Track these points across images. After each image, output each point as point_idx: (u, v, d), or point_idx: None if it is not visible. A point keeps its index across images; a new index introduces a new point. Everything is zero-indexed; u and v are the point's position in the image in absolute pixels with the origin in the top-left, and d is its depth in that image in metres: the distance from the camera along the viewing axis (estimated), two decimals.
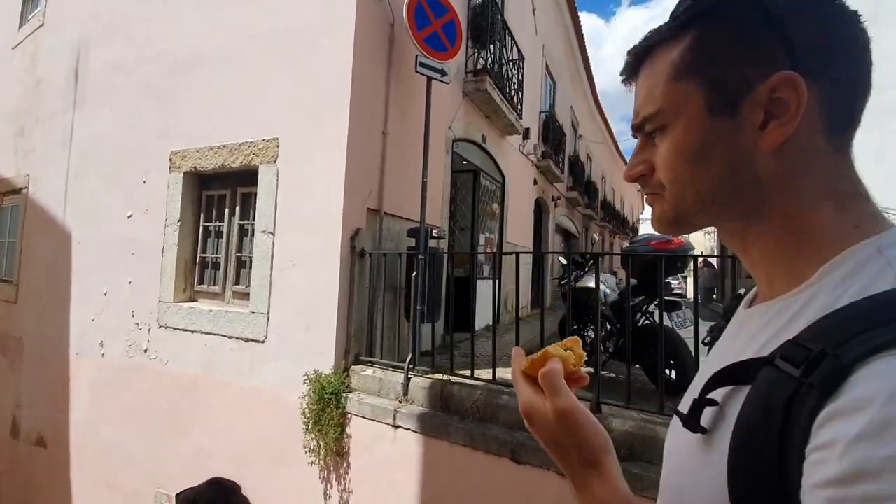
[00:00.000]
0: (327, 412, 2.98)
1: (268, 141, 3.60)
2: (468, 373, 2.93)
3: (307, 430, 3.07)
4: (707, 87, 0.46)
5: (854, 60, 0.44)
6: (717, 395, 0.44)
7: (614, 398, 2.46)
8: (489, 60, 5.30)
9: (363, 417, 2.96)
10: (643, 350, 3.75)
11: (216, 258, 4.04)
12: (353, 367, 3.23)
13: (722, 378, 0.43)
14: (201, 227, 4.14)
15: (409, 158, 3.98)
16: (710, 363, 0.54)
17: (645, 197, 0.54)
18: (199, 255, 4.12)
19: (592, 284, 4.69)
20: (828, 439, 0.32)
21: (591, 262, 5.17)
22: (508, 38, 5.91)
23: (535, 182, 8.64)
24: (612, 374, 4.25)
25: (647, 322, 4.00)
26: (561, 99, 10.67)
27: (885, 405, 0.30)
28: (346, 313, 3.28)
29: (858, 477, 0.29)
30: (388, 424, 2.84)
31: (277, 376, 3.39)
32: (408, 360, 2.97)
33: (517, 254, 2.89)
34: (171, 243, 4.06)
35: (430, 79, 3.72)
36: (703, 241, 21.36)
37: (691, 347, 2.44)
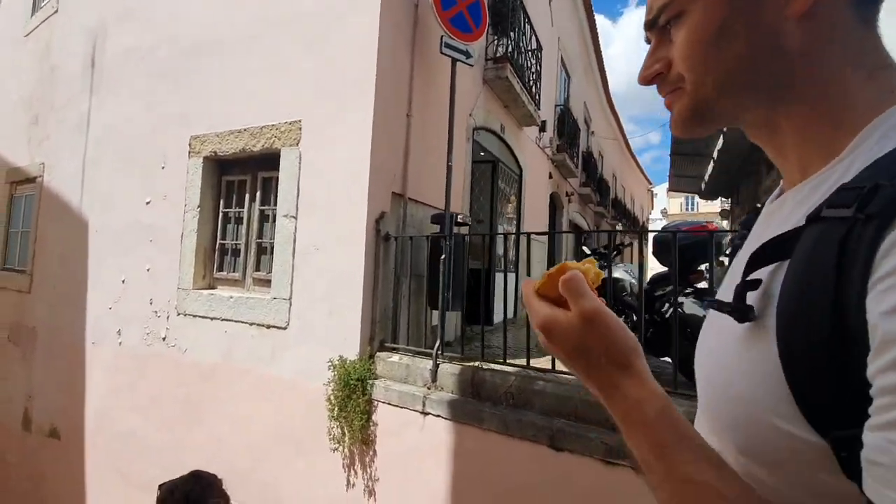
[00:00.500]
0: (353, 399, 2.90)
1: (290, 124, 3.53)
2: (494, 360, 2.85)
3: (332, 417, 2.99)
4: None
5: None
6: (759, 275, 0.41)
7: None
8: (509, 48, 5.21)
9: (390, 404, 2.87)
10: (669, 340, 3.64)
11: (236, 244, 3.97)
12: (377, 353, 3.14)
13: (763, 255, 0.41)
14: (221, 214, 4.07)
15: (433, 143, 3.89)
16: (736, 265, 0.51)
17: (665, 100, 0.51)
18: (218, 242, 4.05)
19: (618, 275, 4.60)
20: None
21: (615, 252, 5.07)
22: (528, 27, 5.81)
23: (551, 176, 8.54)
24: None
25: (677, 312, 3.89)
26: (575, 94, 10.56)
27: None
28: (371, 298, 3.19)
29: None
30: (416, 411, 2.75)
31: (300, 363, 3.31)
32: (436, 345, 2.88)
33: (541, 233, 2.80)
34: (190, 229, 4.00)
35: (454, 61, 3.63)
36: None
37: None
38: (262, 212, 3.85)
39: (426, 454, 2.68)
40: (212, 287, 4.03)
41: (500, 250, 5.80)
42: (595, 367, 0.47)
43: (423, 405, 2.72)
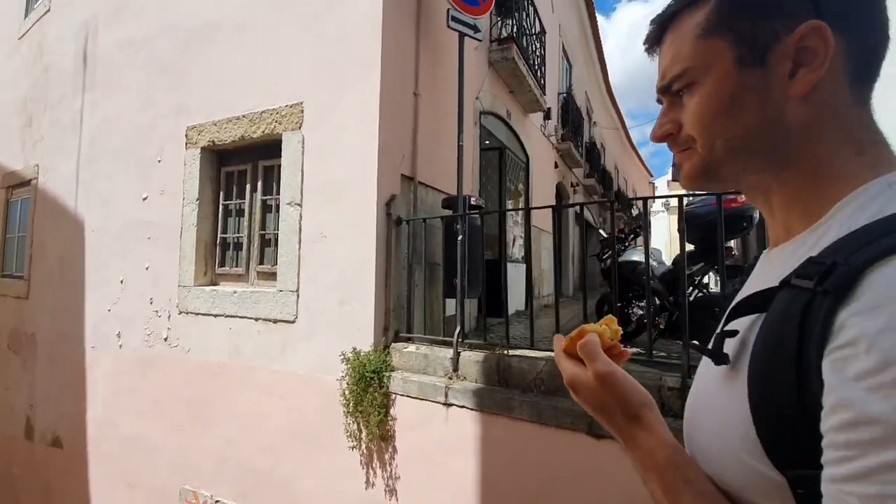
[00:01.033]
0: (369, 392, 2.71)
1: (291, 107, 3.35)
2: (520, 347, 2.67)
3: (347, 412, 2.81)
4: (736, 41, 0.48)
5: (874, 13, 0.47)
6: (737, 325, 0.47)
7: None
8: (513, 29, 5.03)
9: (409, 397, 2.68)
10: (701, 324, 3.45)
11: (238, 237, 3.79)
12: (392, 344, 2.96)
13: (741, 308, 0.47)
14: (221, 206, 3.89)
15: (441, 124, 3.72)
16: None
17: (674, 157, 0.56)
18: (219, 236, 3.87)
19: (637, 258, 4.41)
20: (850, 338, 0.34)
21: (632, 235, 4.88)
22: (531, 8, 5.64)
23: (556, 166, 8.36)
24: (663, 354, 3.95)
25: (702, 294, 3.70)
26: (576, 83, 10.38)
27: None
28: (384, 286, 3.01)
29: (889, 364, 0.32)
30: (438, 403, 2.57)
31: (310, 357, 3.12)
32: (457, 332, 2.69)
33: (545, 207, 2.61)
34: (189, 224, 3.82)
35: (462, 36, 3.45)
36: None
37: None
38: (264, 202, 3.67)
39: (451, 448, 2.49)
40: (214, 283, 3.85)
41: (510, 241, 5.62)
42: (613, 420, 0.54)
43: (446, 396, 2.53)
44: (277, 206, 3.52)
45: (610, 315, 0.60)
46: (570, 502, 2.12)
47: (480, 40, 3.69)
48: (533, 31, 5.76)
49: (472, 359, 2.61)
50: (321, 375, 3.05)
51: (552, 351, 2.10)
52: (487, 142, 5.36)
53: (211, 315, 3.62)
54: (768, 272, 0.50)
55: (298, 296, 3.22)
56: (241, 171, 3.80)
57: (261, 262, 3.65)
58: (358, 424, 2.81)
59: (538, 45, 6.00)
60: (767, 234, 0.59)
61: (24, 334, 5.25)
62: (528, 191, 6.67)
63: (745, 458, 0.42)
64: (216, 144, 3.74)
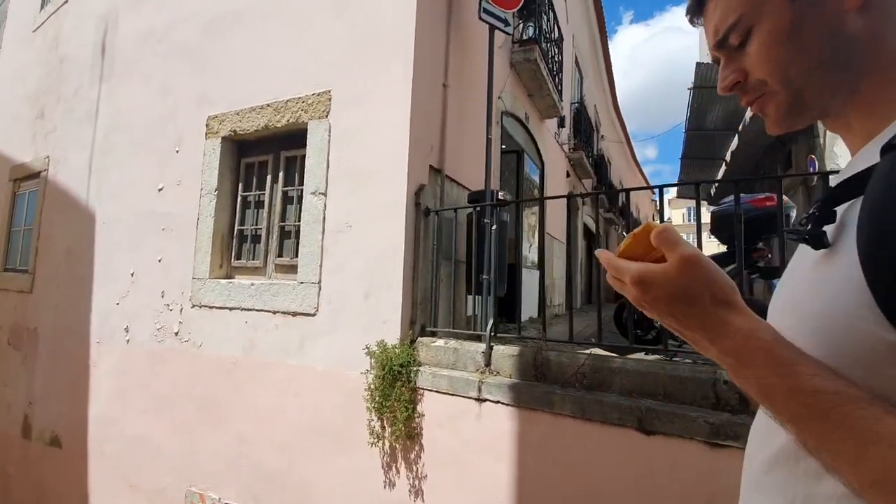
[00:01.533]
0: (396, 388, 2.59)
1: (318, 95, 3.28)
2: (557, 340, 2.55)
3: (371, 409, 2.67)
4: None
5: None
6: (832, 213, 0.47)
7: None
8: (536, 32, 5.01)
9: (438, 392, 2.55)
10: None
11: (256, 229, 3.68)
12: (419, 338, 2.84)
13: (838, 193, 0.46)
14: (239, 198, 3.79)
15: (467, 118, 3.65)
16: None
17: (751, 108, 0.56)
18: (236, 228, 3.77)
19: None
20: None
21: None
22: (551, 13, 5.64)
23: (568, 175, 8.32)
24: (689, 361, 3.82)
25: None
26: (587, 95, 10.41)
27: None
28: (412, 278, 2.90)
29: None
30: (471, 398, 2.44)
31: (331, 352, 3.00)
32: (489, 325, 2.58)
33: (559, 197, 2.51)
34: (206, 215, 3.72)
35: (492, 29, 3.41)
36: None
37: None
38: (285, 193, 3.58)
39: (484, 446, 2.36)
40: (229, 276, 3.73)
41: (525, 247, 5.53)
42: (700, 309, 0.48)
43: (479, 391, 2.41)
44: (299, 198, 3.42)
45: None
46: None
47: (510, 34, 3.65)
48: (552, 36, 5.75)
49: (505, 353, 2.49)
50: (342, 370, 2.92)
51: (593, 346, 1.98)
52: (503, 146, 5.30)
53: (226, 308, 3.50)
54: (854, 169, 0.48)
55: (320, 288, 3.11)
56: (262, 161, 3.71)
57: (280, 255, 3.54)
58: (382, 421, 2.67)
59: (556, 52, 5.99)
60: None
61: (26, 329, 5.10)
62: (542, 205, 6.58)
63: (861, 326, 0.40)
64: (238, 134, 3.66)
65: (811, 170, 6.58)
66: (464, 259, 3.33)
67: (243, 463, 3.26)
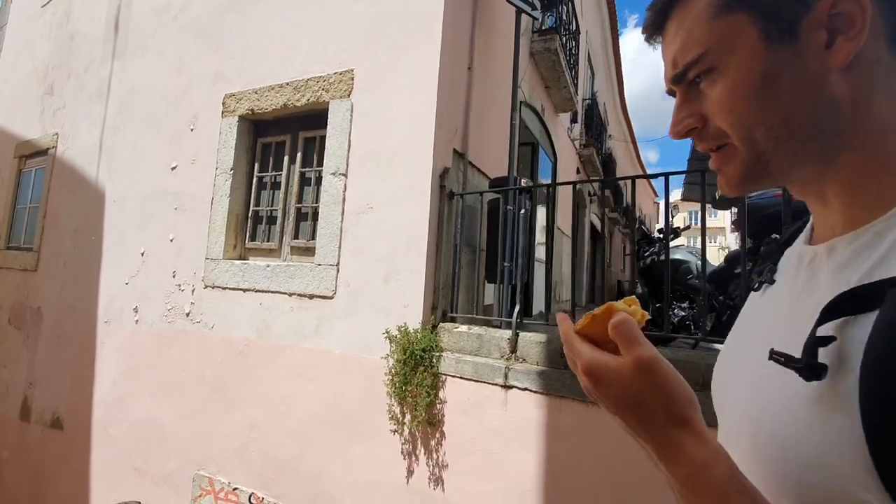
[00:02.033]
0: (419, 373, 2.52)
1: (340, 74, 3.21)
2: None
3: (392, 394, 2.61)
4: (759, 15, 0.43)
5: None
6: (829, 331, 0.38)
7: None
8: (557, 22, 4.95)
9: (462, 378, 2.49)
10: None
11: (272, 211, 3.61)
12: (441, 324, 2.77)
13: (837, 308, 0.38)
14: (255, 179, 3.72)
15: (490, 102, 3.58)
16: (765, 309, 0.52)
17: (711, 161, 0.49)
18: (251, 209, 3.69)
19: (681, 256, 4.26)
20: None
21: (672, 235, 4.74)
22: (571, 5, 5.57)
23: (578, 171, 8.25)
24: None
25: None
26: (598, 91, 10.35)
27: None
28: (435, 262, 2.84)
29: None
30: (497, 385, 2.38)
31: (349, 336, 2.93)
32: (515, 312, 2.52)
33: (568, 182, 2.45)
34: (221, 194, 3.64)
35: (519, 12, 3.34)
36: None
37: None
38: (302, 174, 3.50)
39: (510, 434, 2.30)
40: (243, 258, 3.66)
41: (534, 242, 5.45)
42: (651, 422, 0.42)
43: (506, 377, 2.35)
44: (317, 179, 3.35)
45: (632, 297, 0.50)
46: (656, 501, 1.92)
47: (538, 18, 3.58)
48: (571, 28, 5.68)
49: (532, 340, 2.43)
50: (360, 355, 2.86)
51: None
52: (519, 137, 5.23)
53: (240, 290, 3.43)
54: (836, 266, 0.42)
55: (338, 270, 3.04)
56: (280, 142, 3.64)
57: (295, 237, 3.47)
58: (402, 407, 2.61)
59: (574, 44, 5.92)
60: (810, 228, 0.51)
61: (29, 308, 5.01)
62: (554, 192, 6.52)
63: (856, 492, 0.34)
64: (255, 113, 3.59)
65: None
66: (483, 247, 3.27)
67: (254, 448, 3.19)
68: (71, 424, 4.37)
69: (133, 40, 4.53)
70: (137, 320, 3.97)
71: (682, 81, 0.48)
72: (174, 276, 3.79)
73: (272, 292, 3.28)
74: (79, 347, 4.36)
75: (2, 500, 4.93)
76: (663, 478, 0.43)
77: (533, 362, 2.40)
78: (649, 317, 0.49)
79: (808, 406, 0.38)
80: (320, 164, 3.32)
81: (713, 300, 3.65)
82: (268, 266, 3.34)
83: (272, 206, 3.62)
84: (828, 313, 0.38)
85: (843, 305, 0.38)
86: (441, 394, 2.56)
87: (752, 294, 0.58)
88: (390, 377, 2.63)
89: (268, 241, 3.61)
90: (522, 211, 2.72)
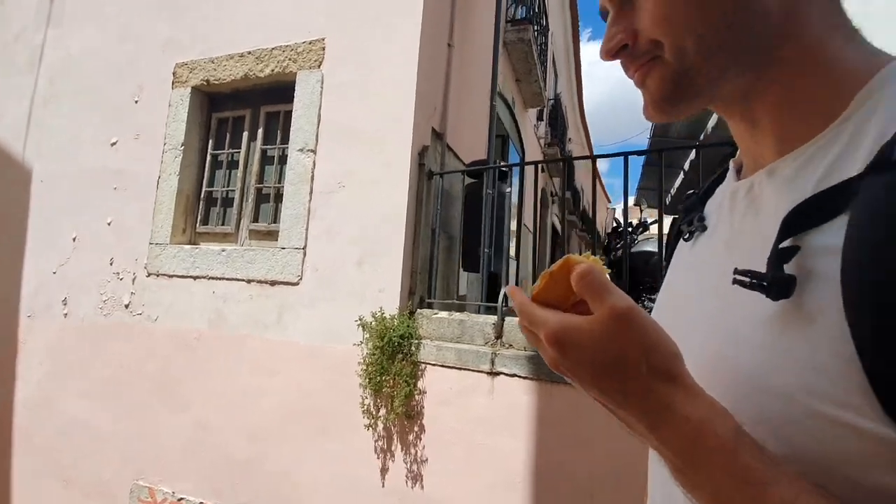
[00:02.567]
0: (397, 361, 2.32)
1: (310, 43, 2.97)
2: None
3: (366, 386, 2.38)
4: None
5: None
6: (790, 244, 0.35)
7: None
8: (529, 13, 4.90)
9: (444, 366, 2.31)
10: None
11: (228, 191, 3.30)
12: (419, 310, 2.58)
13: (799, 217, 0.35)
14: (209, 156, 3.39)
15: (467, 83, 3.44)
16: (701, 253, 0.50)
17: (635, 76, 0.45)
18: (204, 190, 3.36)
19: (650, 248, 4.27)
20: None
21: (640, 228, 4.76)
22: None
23: (543, 170, 8.28)
24: None
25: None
26: (562, 93, 10.50)
27: None
28: (412, 245, 2.65)
29: None
30: (482, 372, 2.21)
31: (315, 324, 2.68)
32: (501, 294, 2.37)
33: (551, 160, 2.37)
34: (169, 172, 3.29)
35: None
36: None
37: None
38: (264, 152, 3.22)
39: (498, 423, 2.14)
40: (194, 243, 3.32)
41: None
42: (634, 381, 0.34)
43: (492, 363, 2.18)
44: (281, 157, 3.09)
45: (589, 253, 0.46)
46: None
47: None
48: (542, 22, 5.67)
49: (518, 325, 2.28)
50: (329, 344, 2.61)
51: None
52: None
53: (189, 277, 3.09)
54: (777, 187, 0.40)
55: (305, 254, 2.79)
56: (239, 116, 3.34)
57: (255, 220, 3.18)
58: (376, 400, 2.39)
59: (543, 40, 5.91)
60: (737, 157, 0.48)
61: None
62: (522, 188, 6.48)
63: (847, 418, 0.31)
64: (210, 84, 3.27)
65: None
66: (457, 234, 3.11)
67: (204, 452, 2.87)
68: None
69: (73, 5, 4.07)
70: (67, 313, 3.52)
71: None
72: (111, 264, 3.39)
73: (228, 279, 2.97)
74: None
75: None
76: (650, 447, 0.37)
77: (520, 347, 2.25)
78: (610, 271, 0.42)
79: (774, 327, 0.36)
80: (284, 141, 3.06)
81: None
82: (223, 251, 3.03)
83: (228, 186, 3.31)
84: (788, 226, 0.36)
85: (806, 214, 0.35)
86: (420, 384, 2.36)
87: (682, 244, 0.54)
88: (364, 367, 2.40)
89: (223, 224, 3.29)
90: (508, 189, 2.59)
